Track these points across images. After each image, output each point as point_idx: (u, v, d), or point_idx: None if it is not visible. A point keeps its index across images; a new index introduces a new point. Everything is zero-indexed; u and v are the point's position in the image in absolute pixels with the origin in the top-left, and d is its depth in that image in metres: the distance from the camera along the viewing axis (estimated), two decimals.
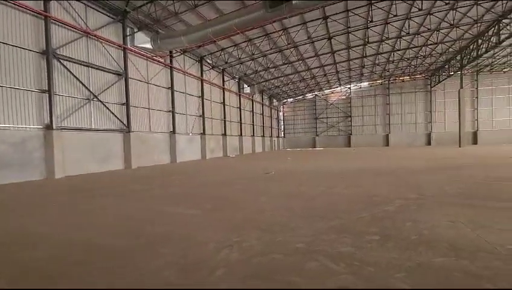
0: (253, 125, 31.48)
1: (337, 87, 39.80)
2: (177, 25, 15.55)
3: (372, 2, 16.07)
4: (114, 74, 13.17)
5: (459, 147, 26.16)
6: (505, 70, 33.32)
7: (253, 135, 31.38)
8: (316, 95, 42.04)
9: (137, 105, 14.73)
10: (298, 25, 17.91)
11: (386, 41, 22.33)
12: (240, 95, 28.01)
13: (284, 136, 44.74)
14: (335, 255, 2.46)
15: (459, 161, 11.91)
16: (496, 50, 25.50)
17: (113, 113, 12.94)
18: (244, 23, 12.62)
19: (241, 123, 27.90)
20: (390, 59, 27.60)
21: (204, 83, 21.18)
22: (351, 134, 40.66)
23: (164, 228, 3.50)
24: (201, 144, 20.46)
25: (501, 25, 19.24)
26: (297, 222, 3.56)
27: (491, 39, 20.66)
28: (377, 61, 28.11)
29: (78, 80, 11.37)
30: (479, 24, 19.77)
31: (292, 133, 44.53)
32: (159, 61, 16.30)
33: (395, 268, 2.17)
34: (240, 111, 28.01)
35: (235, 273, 2.19)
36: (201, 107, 20.83)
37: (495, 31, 19.79)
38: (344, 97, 40.97)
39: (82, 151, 11.35)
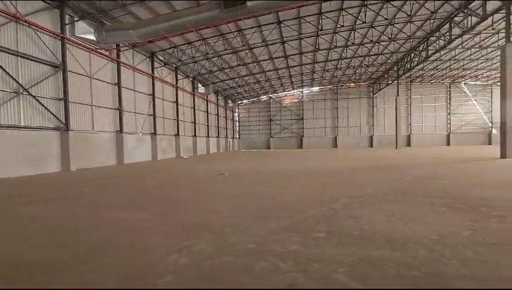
0: (207, 125, 30.99)
1: (290, 90, 41.27)
2: (125, 17, 14.56)
3: (322, 12, 17.02)
4: (50, 65, 11.81)
5: (396, 148, 29.11)
6: (432, 81, 38.07)
7: (208, 136, 30.89)
8: (270, 97, 43.04)
9: (78, 101, 13.42)
10: (253, 27, 18.15)
11: (335, 50, 23.85)
12: (194, 94, 27.35)
13: (239, 137, 44.91)
14: (284, 254, 2.51)
15: (396, 162, 13.23)
16: (425, 63, 28.97)
17: (47, 109, 11.58)
18: (198, 21, 12.36)
19: (195, 123, 27.25)
20: (338, 66, 29.55)
21: (155, 81, 20.21)
22: (303, 136, 42.48)
23: (106, 235, 3.22)
24: (152, 144, 19.46)
25: (429, 41, 21.92)
26: (249, 222, 3.57)
27: (421, 54, 23.43)
28: (326, 68, 29.86)
29: (3, 69, 9.93)
30: (411, 39, 22.26)
31: (247, 134, 44.93)
32: (104, 54, 15.08)
33: (338, 263, 2.29)
34: (194, 111, 27.35)
35: (183, 279, 2.10)
36: (152, 105, 19.82)
37: (424, 46, 22.49)
38: (297, 100, 42.67)
39: (8, 152, 9.93)
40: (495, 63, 28.23)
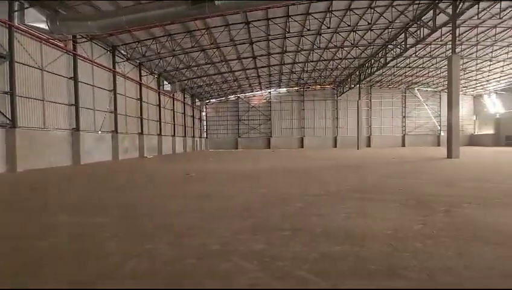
0: (173, 124, 30.06)
1: (258, 90, 41.57)
2: (83, 7, 13.58)
3: (290, 15, 17.39)
4: None
5: (358, 149, 30.70)
6: (390, 86, 40.76)
7: (174, 135, 29.97)
8: (238, 97, 42.98)
9: (27, 95, 12.23)
10: (221, 26, 17.98)
11: (301, 52, 24.50)
12: (159, 92, 26.37)
13: (206, 137, 44.22)
14: (249, 253, 2.51)
15: (357, 161, 13.95)
16: (384, 69, 30.92)
17: None
18: (164, 16, 11.93)
19: (160, 122, 26.28)
20: (305, 69, 30.42)
21: (117, 76, 19.12)
22: (270, 136, 43.03)
23: (58, 240, 2.96)
24: (112, 143, 18.37)
25: (387, 49, 23.45)
26: (214, 223, 3.51)
27: (380, 60, 24.98)
28: (293, 70, 30.57)
29: None
30: (372, 46, 23.63)
31: (215, 134, 44.41)
32: (58, 45, 13.93)
33: (302, 260, 2.34)
34: (160, 109, 26.38)
35: (143, 285, 2.00)
36: (113, 102, 18.73)
37: (383, 53, 24.01)
38: (265, 101, 43.10)
39: None
40: (443, 72, 30.99)
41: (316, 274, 2.08)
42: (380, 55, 24.85)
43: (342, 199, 4.87)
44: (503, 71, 29.93)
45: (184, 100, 33.84)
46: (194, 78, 29.18)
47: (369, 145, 41.18)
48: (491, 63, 27.48)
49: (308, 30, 19.20)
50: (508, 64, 27.45)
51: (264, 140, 43.18)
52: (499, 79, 33.27)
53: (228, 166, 12.55)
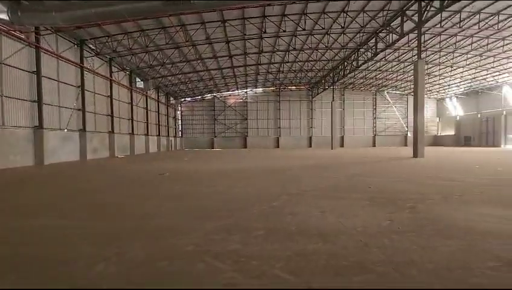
0: (147, 123, 29.13)
1: (235, 90, 41.45)
2: None
3: (266, 15, 17.51)
4: None
5: (331, 149, 31.61)
6: (362, 89, 42.41)
7: (148, 134, 29.04)
8: (214, 96, 42.58)
9: None
10: (197, 23, 17.71)
11: (277, 53, 24.76)
12: (131, 89, 25.43)
13: (181, 136, 43.33)
14: (223, 253, 2.48)
15: (330, 161, 14.36)
16: (356, 72, 32.09)
17: None
18: (137, 11, 11.49)
19: (132, 120, 25.35)
20: (281, 69, 30.79)
21: (85, 71, 18.16)
22: (247, 136, 43.08)
23: (18, 246, 2.75)
24: (80, 142, 17.42)
25: (359, 52, 24.36)
26: (188, 223, 3.45)
27: (353, 63, 25.90)
28: (269, 70, 30.82)
29: None
30: (345, 49, 24.43)
31: (190, 133, 43.65)
32: (19, 37, 12.96)
33: (276, 259, 2.36)
34: (132, 107, 25.44)
35: None
36: (81, 99, 17.76)
37: (355, 57, 24.91)
38: (241, 100, 43.08)
39: None
40: (410, 76, 32.79)
41: (290, 272, 2.11)
42: (352, 58, 25.76)
43: (316, 197, 4.98)
44: (462, 76, 32.28)
45: (158, 98, 32.91)
46: (169, 76, 28.47)
47: (342, 145, 42.55)
48: (452, 69, 29.50)
49: (284, 31, 19.46)
50: (467, 70, 29.63)
51: (240, 140, 43.14)
52: (459, 84, 35.82)
53: (204, 166, 12.38)
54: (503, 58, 25.23)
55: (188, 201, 4.86)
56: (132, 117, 25.35)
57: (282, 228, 3.21)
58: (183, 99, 42.60)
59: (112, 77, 21.69)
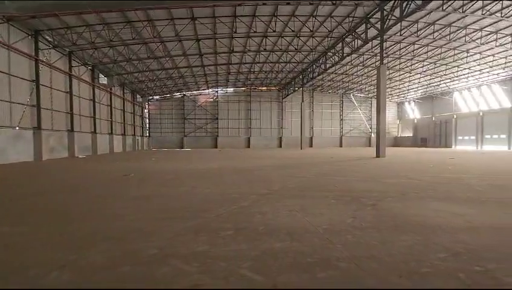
0: (111, 121, 27.65)
1: (205, 89, 40.86)
2: None
3: (237, 15, 17.47)
4: None
5: (301, 149, 32.39)
6: (329, 91, 43.98)
7: (112, 133, 27.57)
8: (184, 94, 41.62)
9: None
10: (165, 19, 17.16)
11: (248, 53, 24.83)
12: (94, 85, 23.98)
13: (149, 136, 41.76)
14: (190, 255, 2.43)
15: (300, 161, 14.70)
16: (324, 75, 33.23)
17: None
18: (99, 3, 10.88)
19: (95, 118, 23.91)
20: (252, 70, 30.91)
21: (40, 65, 16.78)
22: (217, 136, 42.66)
23: None
24: (34, 141, 16.04)
25: (327, 56, 25.22)
26: (154, 226, 3.32)
27: (321, 66, 26.77)
28: (240, 70, 30.81)
29: None
30: (313, 53, 25.16)
31: (159, 133, 42.23)
32: None
33: (243, 259, 2.35)
34: (94, 104, 23.99)
35: None
36: (36, 94, 16.37)
37: (323, 60, 25.76)
38: (212, 100, 42.57)
39: None
40: (373, 80, 34.67)
41: (257, 271, 2.11)
42: (320, 61, 26.61)
43: (285, 197, 5.06)
44: (419, 82, 34.79)
45: (123, 96, 31.39)
46: (135, 72, 27.29)
47: (311, 145, 43.78)
48: (411, 75, 31.68)
49: (255, 32, 19.56)
50: (423, 76, 31.99)
51: (210, 139, 42.62)
52: (416, 89, 38.56)
53: (172, 166, 12.03)
54: (454, 66, 27.61)
55: (154, 203, 4.69)
56: (94, 115, 23.91)
57: (251, 228, 3.22)
58: (150, 98, 41.10)
59: (71, 71, 20.28)
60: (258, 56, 25.82)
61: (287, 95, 40.75)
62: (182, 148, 41.18)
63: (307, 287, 1.91)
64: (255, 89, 42.40)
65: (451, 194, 5.29)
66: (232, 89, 42.12)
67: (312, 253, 2.46)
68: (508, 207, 4.18)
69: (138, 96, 37.41)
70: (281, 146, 43.63)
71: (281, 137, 44.14)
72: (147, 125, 41.65)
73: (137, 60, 23.47)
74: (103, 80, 25.26)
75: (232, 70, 30.89)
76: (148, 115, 41.84)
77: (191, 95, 41.95)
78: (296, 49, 23.55)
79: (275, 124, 44.19)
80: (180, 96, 41.77)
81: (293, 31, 19.80)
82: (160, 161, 15.75)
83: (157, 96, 41.22)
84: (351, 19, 18.64)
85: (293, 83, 36.63)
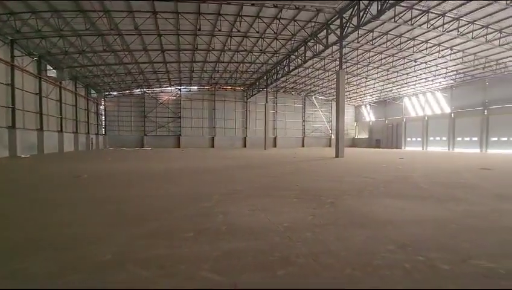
0: (61, 118, 25.41)
1: (167, 86, 39.47)
2: None
3: (201, 12, 17.15)
4: None
5: (265, 149, 32.82)
6: (293, 93, 45.20)
7: (61, 130, 25.35)
8: (145, 91, 39.76)
9: None
10: (124, 11, 16.25)
11: (213, 52, 24.52)
12: (40, 78, 21.84)
13: (105, 134, 39.18)
14: (147, 260, 2.33)
15: (263, 161, 14.90)
16: (288, 77, 34.06)
17: None
18: None
19: (41, 114, 21.79)
20: (216, 69, 30.58)
21: None
22: (180, 135, 41.47)
23: None
24: None
25: (290, 58, 25.89)
26: (109, 230, 3.12)
27: (285, 68, 27.40)
28: (205, 69, 30.29)
29: None
30: (277, 55, 25.66)
31: (116, 131, 39.80)
32: None
33: (204, 260, 2.31)
34: (41, 99, 21.85)
35: None
36: None
37: (287, 62, 26.40)
38: (175, 98, 41.26)
39: None
40: (334, 84, 36.40)
41: (218, 272, 2.10)
42: (284, 63, 27.24)
43: (248, 196, 5.09)
44: (374, 87, 37.30)
45: (76, 90, 29.07)
46: (89, 66, 25.43)
47: (275, 146, 44.59)
48: (367, 80, 33.84)
49: (219, 31, 19.38)
50: (378, 82, 34.37)
51: (173, 139, 41.29)
52: (372, 94, 41.29)
53: (131, 166, 11.42)
54: (404, 74, 30.11)
55: (109, 206, 4.41)
56: (41, 110, 21.79)
57: (213, 229, 3.18)
58: (107, 93, 38.60)
59: (13, 61, 18.25)
60: (222, 55, 25.63)
61: (252, 96, 41.03)
62: (142, 147, 39.32)
63: (267, 284, 1.94)
64: (220, 88, 42.01)
65: (400, 191, 5.76)
66: (196, 87, 41.23)
67: (273, 251, 2.51)
68: (446, 202, 4.67)
69: (93, 91, 34.91)
70: (245, 146, 43.78)
71: (245, 137, 44.30)
72: (103, 123, 39.05)
73: (91, 52, 21.90)
74: (52, 72, 23.12)
75: (195, 69, 30.24)
76: (105, 112, 39.25)
77: (152, 92, 40.22)
78: (260, 50, 23.81)
79: (239, 124, 44.21)
80: (140, 93, 39.83)
81: (257, 32, 20.00)
82: (117, 160, 14.88)
83: (115, 92, 38.85)
84: (313, 24, 19.35)
85: (257, 83, 36.98)
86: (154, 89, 39.86)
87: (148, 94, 40.14)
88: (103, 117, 39.04)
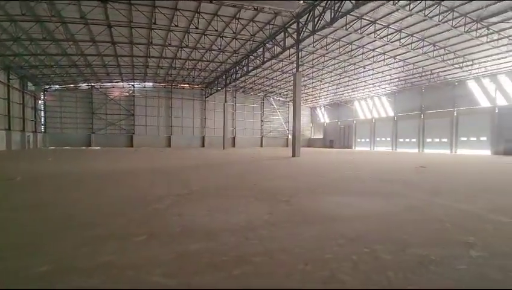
0: None
1: (119, 82, 36.97)
2: None
3: (156, 6, 16.41)
4: None
5: (223, 149, 32.58)
6: (252, 93, 45.60)
7: None
8: (93, 86, 36.72)
9: None
10: None
11: (169, 48, 23.61)
12: None
13: (45, 132, 35.31)
14: (92, 268, 2.14)
15: (222, 160, 14.77)
16: (246, 77, 34.20)
17: None
18: None
19: None
20: (173, 65, 29.49)
21: None
22: (133, 133, 39.16)
23: None
24: None
25: (249, 59, 26.08)
26: (47, 237, 2.81)
27: (243, 68, 27.52)
28: (160, 65, 29.01)
29: None
30: (236, 54, 25.66)
31: (58, 129, 36.11)
32: None
33: (155, 264, 2.21)
34: None
35: None
36: None
37: (246, 62, 26.54)
38: (127, 94, 38.81)
39: None
40: (291, 85, 37.55)
41: (170, 276, 2.02)
42: (243, 63, 27.34)
43: (205, 197, 4.99)
44: (328, 90, 39.37)
45: (8, 82, 25.71)
46: (25, 55, 22.69)
47: (233, 145, 44.51)
48: (321, 83, 35.57)
49: (176, 26, 18.74)
50: (331, 86, 36.33)
51: (125, 138, 38.83)
52: (326, 96, 43.51)
53: (75, 167, 10.44)
54: (354, 79, 32.29)
55: (49, 211, 3.97)
56: None
57: (167, 231, 3.05)
58: (47, 87, 34.83)
59: None
60: (180, 52, 24.81)
61: (210, 94, 40.43)
62: (90, 146, 36.28)
63: (222, 285, 1.92)
64: (177, 85, 40.59)
65: (350, 188, 6.16)
66: (151, 83, 39.24)
67: (229, 251, 2.49)
68: (390, 198, 5.11)
69: (30, 84, 31.21)
70: (203, 146, 42.98)
71: (203, 136, 43.49)
72: (43, 119, 35.16)
73: (28, 40, 19.56)
74: None
75: (150, 64, 28.79)
76: (44, 108, 35.37)
77: (101, 87, 37.28)
78: (219, 49, 23.57)
79: (197, 123, 43.24)
80: (87, 87, 36.67)
81: (216, 30, 19.76)
82: (59, 161, 13.51)
83: (57, 86, 35.23)
84: (271, 26, 19.72)
85: (216, 82, 36.55)
86: (104, 84, 37.03)
87: (96, 89, 37.13)
88: (43, 113, 35.14)
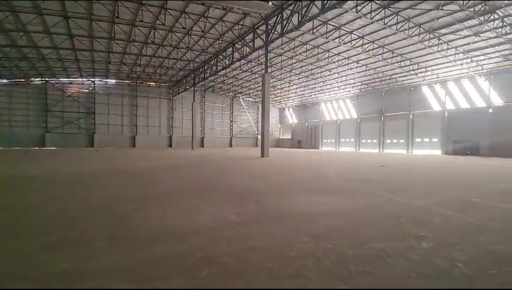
0: None
1: (78, 77, 34.55)
2: None
3: None
4: None
5: (192, 149, 31.91)
6: (221, 93, 45.23)
7: None
8: (47, 81, 33.89)
9: None
10: None
11: (134, 44, 22.60)
12: None
13: None
14: (46, 278, 2.00)
15: (191, 161, 14.47)
16: (215, 77, 33.89)
17: None
18: None
19: None
20: (138, 62, 28.27)
21: None
22: (94, 133, 36.82)
23: None
24: None
25: (218, 58, 25.86)
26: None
27: (212, 68, 27.22)
28: (124, 61, 27.65)
29: None
30: (205, 53, 25.30)
31: (6, 127, 32.78)
32: None
33: (118, 271, 2.12)
34: None
35: None
36: None
37: (215, 62, 26.28)
38: (87, 90, 36.37)
39: None
40: (260, 86, 37.87)
41: (134, 282, 1.95)
42: (212, 62, 27.03)
43: (172, 198, 4.87)
44: (296, 92, 40.35)
45: None
46: None
47: (202, 145, 43.77)
48: (289, 85, 36.36)
49: (141, 21, 18.00)
50: (299, 88, 37.30)
51: (85, 137, 36.36)
52: (294, 98, 44.54)
53: (26, 169, 9.57)
54: (321, 82, 33.46)
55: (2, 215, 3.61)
56: None
57: (131, 235, 2.94)
58: None
59: None
60: (145, 48, 23.85)
61: (178, 93, 39.35)
62: (44, 146, 33.45)
63: (190, 286, 1.90)
64: (142, 83, 38.91)
65: (316, 187, 6.38)
66: (113, 80, 37.17)
67: (196, 253, 2.46)
68: (355, 195, 5.38)
69: None
70: (171, 146, 41.71)
71: (171, 136, 42.20)
72: None
73: None
74: None
75: (113, 60, 27.28)
76: None
77: (57, 83, 34.51)
78: (187, 47, 23.07)
79: (164, 123, 41.82)
80: (40, 82, 33.76)
81: (184, 28, 19.31)
82: (7, 162, 12.29)
83: (5, 80, 31.99)
84: (240, 26, 19.73)
85: (184, 81, 35.68)
86: (60, 79, 34.34)
87: (52, 85, 34.31)
88: None
